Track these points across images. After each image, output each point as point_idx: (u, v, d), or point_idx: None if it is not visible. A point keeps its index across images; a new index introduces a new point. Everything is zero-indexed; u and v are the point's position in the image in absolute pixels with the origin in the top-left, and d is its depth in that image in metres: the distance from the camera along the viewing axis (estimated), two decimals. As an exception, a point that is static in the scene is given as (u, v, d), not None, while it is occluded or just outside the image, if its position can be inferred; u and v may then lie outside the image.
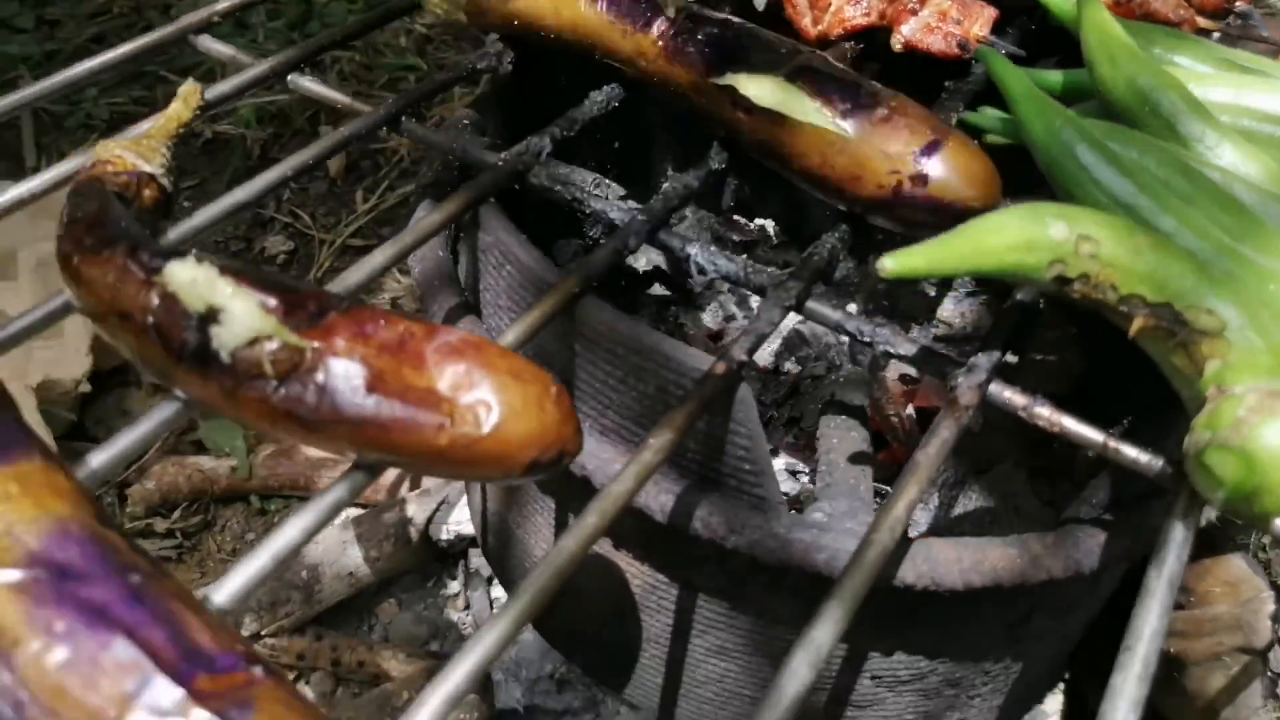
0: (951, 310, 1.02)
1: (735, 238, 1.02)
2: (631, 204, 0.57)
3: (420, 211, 0.69)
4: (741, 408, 0.50)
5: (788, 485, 0.78)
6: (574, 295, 0.50)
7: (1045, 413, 0.48)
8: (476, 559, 1.10)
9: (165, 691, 0.28)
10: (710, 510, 0.53)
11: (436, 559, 1.10)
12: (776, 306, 0.50)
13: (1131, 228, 0.45)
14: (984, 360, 0.49)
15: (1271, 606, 0.70)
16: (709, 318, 0.97)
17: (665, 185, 0.57)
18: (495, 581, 1.08)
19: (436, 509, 1.08)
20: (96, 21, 1.80)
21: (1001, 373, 0.50)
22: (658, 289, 0.98)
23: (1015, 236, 0.43)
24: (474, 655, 0.36)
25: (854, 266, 0.92)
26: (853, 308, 0.91)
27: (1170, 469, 0.46)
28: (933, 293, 1.04)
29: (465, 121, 0.76)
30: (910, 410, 0.89)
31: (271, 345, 0.38)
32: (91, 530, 0.31)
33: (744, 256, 0.54)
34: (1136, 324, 0.45)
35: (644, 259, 0.94)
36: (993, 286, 1.01)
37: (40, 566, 0.30)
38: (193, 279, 0.39)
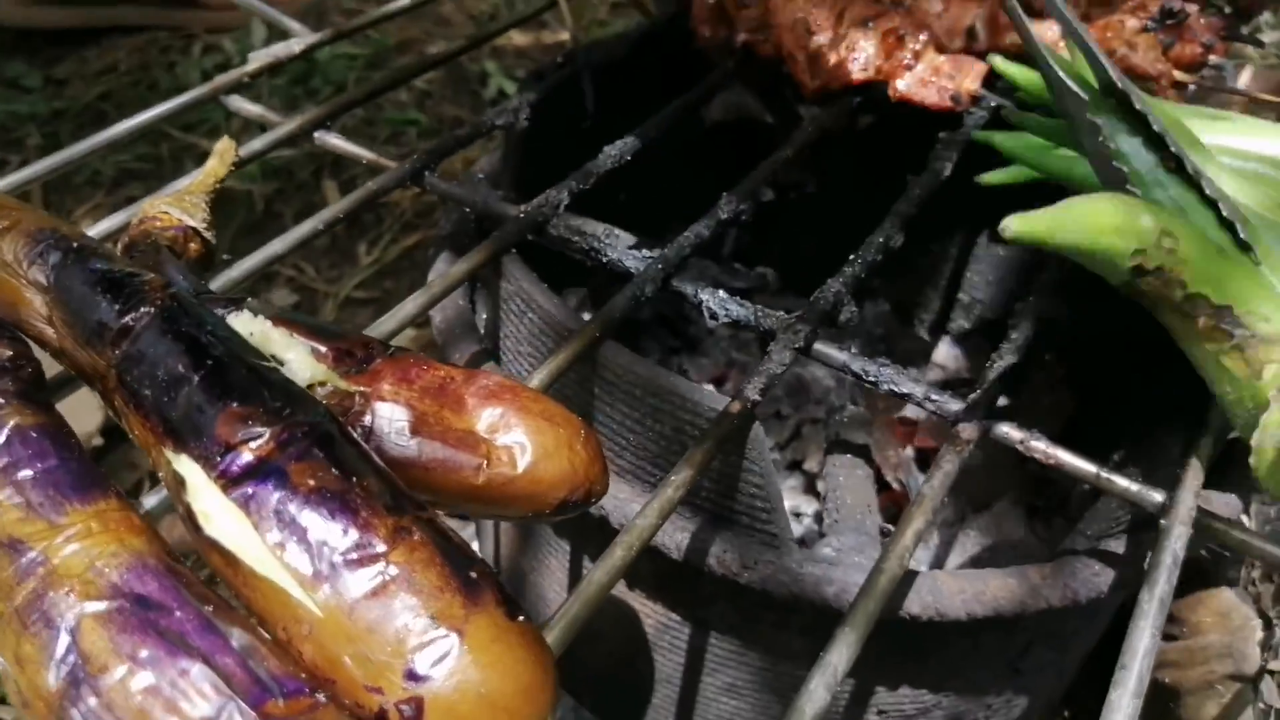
0: (945, 354, 1.05)
1: (737, 284, 1.05)
2: (644, 252, 0.60)
3: (440, 263, 0.72)
4: (755, 446, 0.53)
5: (793, 527, 0.80)
6: (596, 340, 0.53)
7: (1041, 446, 0.51)
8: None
9: (240, 716, 0.30)
10: (724, 547, 0.55)
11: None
12: (787, 349, 0.53)
13: (1201, 232, 0.48)
14: (983, 398, 0.52)
15: (1260, 634, 0.72)
16: (711, 363, 1.00)
17: (679, 235, 0.60)
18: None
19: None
20: (103, 80, 1.83)
21: (999, 411, 0.52)
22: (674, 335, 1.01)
23: (1114, 219, 0.44)
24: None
25: (856, 311, 0.95)
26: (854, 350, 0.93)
27: (1160, 497, 0.49)
28: (927, 337, 1.07)
29: (481, 175, 0.79)
30: (910, 450, 0.92)
31: (323, 391, 0.41)
32: (166, 564, 0.34)
33: (751, 304, 0.57)
34: (1200, 323, 0.47)
35: (646, 307, 0.97)
36: (983, 332, 1.04)
37: (123, 598, 0.32)
38: (249, 332, 0.42)
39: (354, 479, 0.35)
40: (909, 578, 0.55)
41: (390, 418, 0.41)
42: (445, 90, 1.91)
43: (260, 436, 0.35)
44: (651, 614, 0.66)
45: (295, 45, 0.77)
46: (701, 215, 0.62)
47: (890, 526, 0.76)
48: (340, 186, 1.61)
